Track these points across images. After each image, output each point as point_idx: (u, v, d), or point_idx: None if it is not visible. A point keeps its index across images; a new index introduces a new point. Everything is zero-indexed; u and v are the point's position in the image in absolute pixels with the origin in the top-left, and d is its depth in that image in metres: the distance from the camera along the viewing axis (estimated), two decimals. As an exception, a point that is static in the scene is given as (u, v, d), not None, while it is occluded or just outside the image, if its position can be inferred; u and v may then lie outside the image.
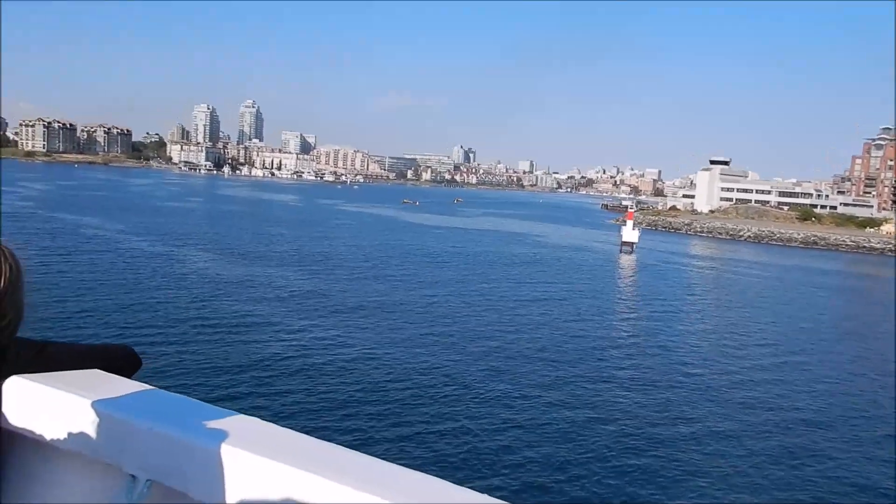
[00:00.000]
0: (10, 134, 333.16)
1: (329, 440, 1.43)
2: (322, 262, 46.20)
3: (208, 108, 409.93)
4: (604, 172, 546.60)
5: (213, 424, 1.76)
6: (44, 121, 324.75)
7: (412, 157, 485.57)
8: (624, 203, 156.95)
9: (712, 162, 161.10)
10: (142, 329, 25.05)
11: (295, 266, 43.46)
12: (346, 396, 19.15)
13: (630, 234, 68.81)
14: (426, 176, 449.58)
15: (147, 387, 2.04)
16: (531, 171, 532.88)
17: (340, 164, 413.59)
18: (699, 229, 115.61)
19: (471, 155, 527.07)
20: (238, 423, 1.80)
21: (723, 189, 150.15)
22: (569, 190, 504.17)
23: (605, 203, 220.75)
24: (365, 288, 37.02)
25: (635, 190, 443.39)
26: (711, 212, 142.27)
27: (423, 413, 18.37)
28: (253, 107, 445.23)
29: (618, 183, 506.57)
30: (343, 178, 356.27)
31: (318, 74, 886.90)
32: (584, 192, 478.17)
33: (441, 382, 20.99)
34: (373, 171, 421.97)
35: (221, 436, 1.69)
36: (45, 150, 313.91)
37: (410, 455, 15.24)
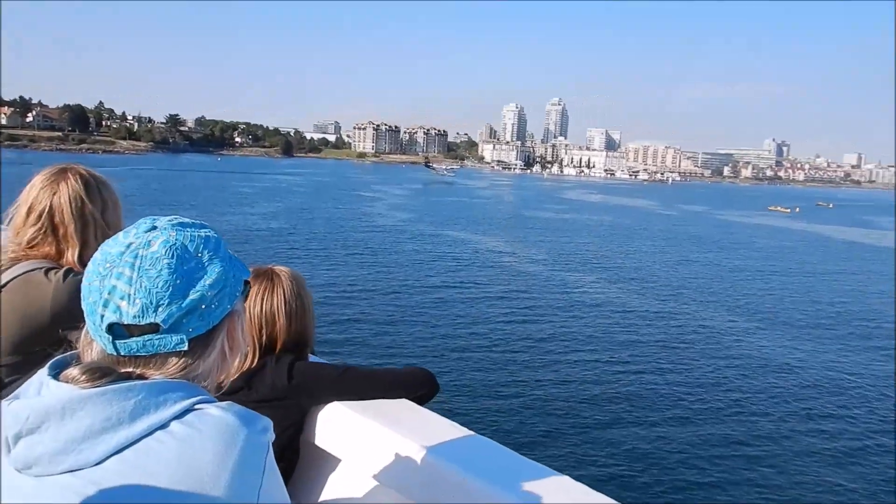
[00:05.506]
0: (344, 136, 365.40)
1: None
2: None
3: (517, 107, 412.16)
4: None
5: (531, 486, 1.71)
6: (373, 124, 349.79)
7: (727, 152, 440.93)
8: None
9: None
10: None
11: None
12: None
13: None
14: (746, 173, 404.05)
15: (466, 431, 2.03)
16: (858, 166, 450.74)
17: (650, 161, 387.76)
18: None
19: (784, 149, 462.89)
20: (555, 485, 1.75)
21: None
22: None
23: None
24: None
25: None
26: None
27: None
28: (559, 104, 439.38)
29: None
30: (657, 175, 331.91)
31: (618, 70, 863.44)
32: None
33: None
34: (686, 169, 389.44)
35: (536, 498, 1.65)
36: (374, 152, 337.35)
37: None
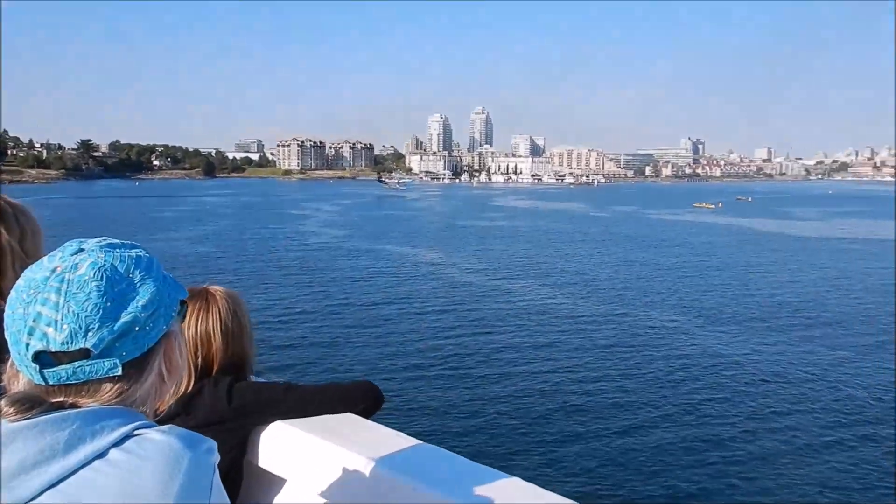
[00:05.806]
0: (268, 154, 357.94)
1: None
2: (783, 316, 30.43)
3: (441, 118, 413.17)
4: (857, 155, 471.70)
5: (483, 490, 1.70)
6: (298, 140, 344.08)
7: (647, 152, 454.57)
8: None
9: None
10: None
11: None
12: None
13: None
14: (667, 171, 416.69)
15: (414, 441, 2.00)
16: (769, 160, 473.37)
17: (575, 164, 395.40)
18: None
19: (700, 146, 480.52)
20: (506, 486, 1.73)
21: None
22: (820, 176, 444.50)
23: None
24: None
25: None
26: None
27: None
28: (483, 112, 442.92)
29: (878, 165, 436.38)
30: (583, 178, 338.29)
31: (537, 76, 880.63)
32: (840, 178, 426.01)
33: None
34: (610, 170, 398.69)
35: (487, 500, 1.65)
36: (299, 168, 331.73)
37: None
